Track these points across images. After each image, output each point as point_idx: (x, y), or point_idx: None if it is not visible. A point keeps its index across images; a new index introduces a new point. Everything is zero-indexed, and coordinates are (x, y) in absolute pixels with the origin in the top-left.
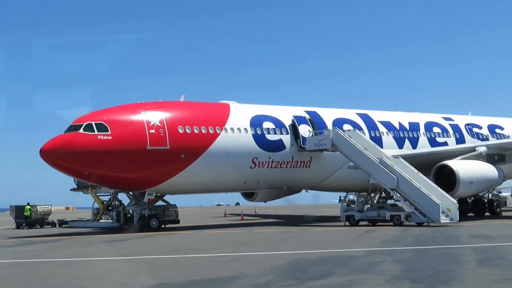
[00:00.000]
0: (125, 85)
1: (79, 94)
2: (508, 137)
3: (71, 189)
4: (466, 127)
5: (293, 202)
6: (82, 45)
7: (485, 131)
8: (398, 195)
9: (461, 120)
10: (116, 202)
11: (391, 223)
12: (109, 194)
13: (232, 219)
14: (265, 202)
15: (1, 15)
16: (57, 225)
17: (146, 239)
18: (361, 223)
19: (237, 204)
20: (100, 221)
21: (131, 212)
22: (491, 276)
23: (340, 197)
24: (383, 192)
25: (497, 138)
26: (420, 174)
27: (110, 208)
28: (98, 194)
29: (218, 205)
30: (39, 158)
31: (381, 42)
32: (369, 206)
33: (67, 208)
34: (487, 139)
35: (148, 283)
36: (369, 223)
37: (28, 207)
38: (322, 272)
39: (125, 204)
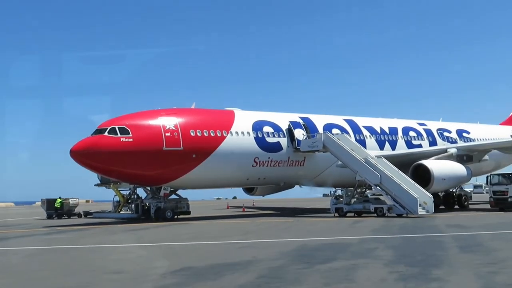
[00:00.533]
0: (143, 94)
1: (103, 101)
2: (474, 140)
3: (95, 185)
4: (438, 131)
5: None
6: (105, 59)
7: (454, 135)
8: (380, 189)
9: (433, 125)
10: (135, 196)
11: (375, 215)
12: (129, 189)
13: (235, 210)
14: (263, 196)
15: (37, 32)
16: (82, 215)
17: (164, 228)
18: (348, 214)
19: (234, 197)
20: (121, 212)
21: (147, 204)
22: (475, 260)
23: (330, 192)
24: (367, 188)
25: (465, 141)
26: (400, 172)
27: (129, 201)
28: (119, 189)
29: (218, 198)
30: (62, 157)
31: (362, 55)
32: (355, 199)
33: (87, 201)
34: (455, 142)
35: (176, 266)
36: (355, 215)
37: (60, 200)
38: (326, 257)
39: (143, 198)
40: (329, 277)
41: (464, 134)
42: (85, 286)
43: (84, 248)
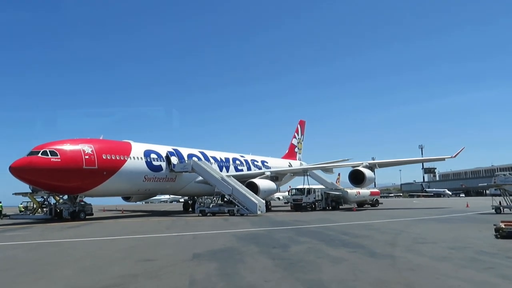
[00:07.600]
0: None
1: None
2: (271, 167)
3: (13, 193)
4: (251, 161)
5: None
6: None
7: (260, 164)
8: (231, 198)
9: (248, 157)
10: (47, 202)
11: (227, 214)
12: (41, 197)
13: (113, 213)
14: (136, 202)
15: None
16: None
17: (96, 225)
18: (208, 214)
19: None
20: (36, 214)
21: (59, 208)
22: (372, 240)
23: (188, 198)
24: (215, 196)
25: (266, 168)
26: (242, 186)
27: (43, 206)
28: (35, 197)
29: None
30: None
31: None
32: (214, 204)
33: None
34: (261, 168)
35: (188, 253)
36: (211, 214)
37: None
38: (277, 242)
39: (52, 203)
40: (321, 256)
41: (265, 163)
42: (147, 273)
43: (64, 242)
